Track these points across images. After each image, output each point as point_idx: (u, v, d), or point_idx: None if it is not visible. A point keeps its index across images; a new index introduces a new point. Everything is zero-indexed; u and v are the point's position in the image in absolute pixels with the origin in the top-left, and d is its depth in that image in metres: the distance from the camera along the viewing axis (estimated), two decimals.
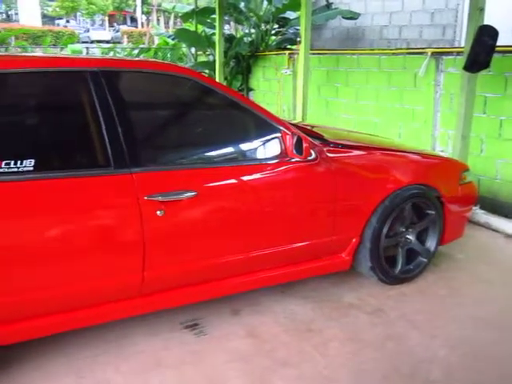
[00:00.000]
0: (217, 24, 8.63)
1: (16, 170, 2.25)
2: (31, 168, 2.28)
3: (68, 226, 2.42)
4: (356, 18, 9.23)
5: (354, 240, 3.31)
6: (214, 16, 9.49)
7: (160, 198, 2.51)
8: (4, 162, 2.23)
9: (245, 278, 3.05)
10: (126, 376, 2.58)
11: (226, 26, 11.62)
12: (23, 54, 6.50)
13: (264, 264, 3.09)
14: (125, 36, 27.47)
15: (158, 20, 22.64)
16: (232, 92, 2.95)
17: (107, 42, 29.36)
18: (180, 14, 11.97)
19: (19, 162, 2.26)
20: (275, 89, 8.76)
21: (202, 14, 10.06)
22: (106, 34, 37.76)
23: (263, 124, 2.94)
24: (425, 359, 2.77)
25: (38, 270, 2.37)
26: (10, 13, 44.80)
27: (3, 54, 4.62)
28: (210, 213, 2.76)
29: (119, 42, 28.38)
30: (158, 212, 2.51)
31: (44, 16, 40.58)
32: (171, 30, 16.99)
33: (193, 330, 2.98)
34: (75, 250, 2.42)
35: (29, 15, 32.35)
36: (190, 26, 11.55)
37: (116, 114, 2.48)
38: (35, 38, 22.45)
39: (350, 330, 3.03)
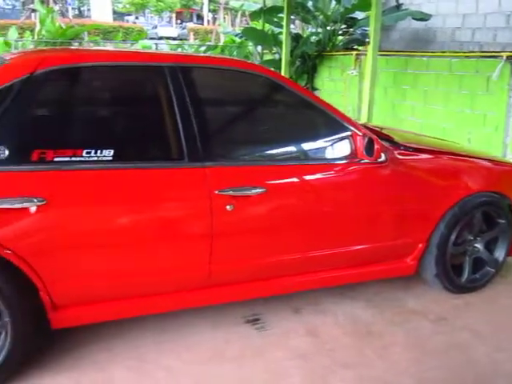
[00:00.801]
0: (284, 23, 8.66)
1: (96, 158, 2.35)
2: (110, 158, 2.38)
3: (141, 216, 2.50)
4: (427, 20, 9.00)
5: (420, 245, 3.25)
6: (281, 15, 9.52)
7: (231, 193, 2.56)
8: (85, 151, 2.34)
9: (306, 277, 3.05)
10: (187, 364, 2.65)
11: (292, 26, 11.60)
12: (103, 48, 6.71)
13: (327, 264, 3.08)
14: (191, 33, 27.94)
15: (225, 18, 22.86)
16: (304, 90, 2.96)
17: (173, 38, 29.94)
18: (248, 13, 12.06)
19: (99, 151, 2.35)
20: (340, 89, 8.69)
21: (269, 12, 10.10)
22: (173, 30, 38.53)
23: (334, 123, 2.93)
24: (490, 372, 2.69)
25: (109, 257, 2.46)
26: (82, 9, 46.45)
27: (84, 48, 4.81)
28: (277, 210, 2.78)
29: (185, 39, 28.88)
30: (228, 207, 2.55)
31: (114, 12, 41.82)
32: (237, 28, 17.15)
33: (254, 325, 3.02)
34: (146, 238, 2.50)
35: (100, 11, 33.47)
36: (257, 24, 11.63)
37: (191, 109, 2.55)
38: (106, 33, 23.17)
39: (413, 336, 2.98)
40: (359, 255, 3.12)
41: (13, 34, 11.69)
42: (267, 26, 10.64)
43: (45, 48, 4.94)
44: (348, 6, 9.29)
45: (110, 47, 12.43)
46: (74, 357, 2.66)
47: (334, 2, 9.70)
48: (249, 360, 2.71)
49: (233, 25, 22.81)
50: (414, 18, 9.21)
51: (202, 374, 2.59)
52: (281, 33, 9.68)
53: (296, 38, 9.68)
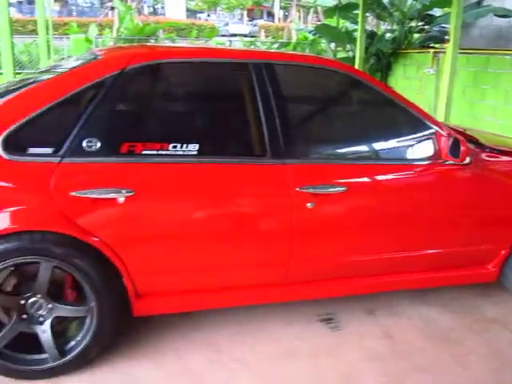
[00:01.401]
0: (359, 20, 8.54)
1: (181, 153, 2.41)
2: (195, 152, 2.43)
3: (222, 210, 2.55)
4: (510, 16, 8.62)
5: (502, 252, 3.12)
6: (356, 11, 9.40)
7: (311, 191, 2.55)
8: (171, 145, 2.40)
9: (382, 279, 3.00)
10: (261, 358, 2.68)
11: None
12: (189, 45, 6.85)
13: (405, 267, 3.02)
14: (262, 30, 28.07)
15: (297, 15, 22.80)
16: (386, 88, 2.91)
17: (244, 35, 30.19)
18: (321, 9, 11.99)
19: (185, 145, 2.41)
20: (415, 88, 8.48)
21: (344, 9, 10.00)
22: (244, 27, 38.86)
23: (417, 123, 2.86)
24: None
25: (191, 249, 2.52)
26: (156, 6, 47.67)
27: (171, 44, 4.93)
28: (357, 210, 2.75)
29: (256, 36, 29.04)
30: (308, 204, 2.55)
31: (187, 10, 42.62)
32: (310, 26, 17.08)
33: (328, 324, 3.00)
34: (226, 232, 2.54)
35: (174, 9, 34.24)
36: (331, 21, 11.53)
37: (275, 106, 2.56)
38: (179, 30, 23.69)
39: (493, 346, 2.87)
40: (439, 259, 3.03)
41: (93, 31, 12.18)
42: (341, 23, 10.55)
43: (135, 44, 5.12)
44: (426, 2, 9.04)
45: (184, 44, 12.68)
46: (154, 344, 2.75)
47: None
48: (322, 358, 2.70)
49: (305, 22, 22.71)
50: (496, 15, 8.84)
51: (275, 369, 2.60)
52: (355, 30, 9.57)
53: (370, 36, 9.53)
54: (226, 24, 40.29)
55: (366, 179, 2.76)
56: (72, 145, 2.28)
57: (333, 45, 10.78)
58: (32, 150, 2.26)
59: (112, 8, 16.21)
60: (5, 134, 2.24)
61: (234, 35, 28.60)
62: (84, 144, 2.29)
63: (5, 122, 2.26)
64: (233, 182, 2.51)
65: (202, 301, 2.68)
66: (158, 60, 2.53)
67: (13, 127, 2.25)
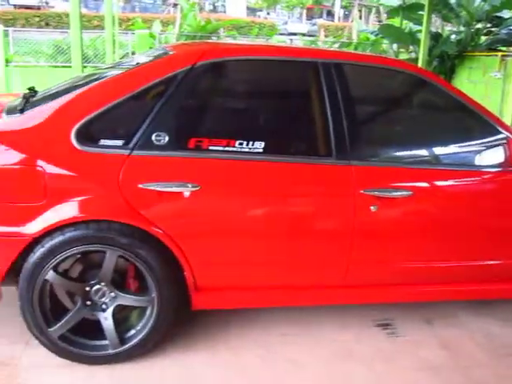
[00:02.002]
0: (424, 21, 8.34)
1: (247, 150, 2.42)
2: (261, 150, 2.43)
3: (285, 209, 2.54)
4: None
5: None
6: (421, 12, 9.18)
7: (376, 194, 2.51)
8: (238, 142, 2.41)
9: (442, 288, 2.92)
10: (315, 359, 2.66)
11: None
12: (256, 43, 6.86)
13: (465, 276, 2.92)
14: (321, 29, 27.86)
15: (359, 15, 22.47)
16: (457, 91, 2.82)
17: (303, 34, 30.05)
18: (383, 9, 11.80)
19: (251, 143, 2.42)
20: (480, 92, 8.21)
21: (409, 9, 9.81)
22: (303, 26, 38.69)
23: (487, 128, 2.77)
24: None
25: (251, 246, 2.53)
26: (216, 4, 48.14)
27: (238, 42, 4.96)
28: (421, 215, 2.68)
29: (314, 35, 28.86)
30: (372, 207, 2.51)
31: (246, 8, 42.82)
32: (371, 26, 16.84)
33: (384, 330, 2.95)
34: (287, 231, 2.53)
35: (235, 7, 34.50)
36: (394, 21, 11.33)
37: (342, 106, 2.53)
38: (239, 28, 23.84)
39: None
40: (504, 271, 2.92)
41: (157, 27, 12.43)
42: (404, 24, 10.34)
43: (207, 41, 5.19)
44: (496, 3, 8.75)
45: (246, 42, 12.75)
46: (209, 339, 2.79)
47: (478, 0, 9.18)
48: (377, 364, 2.65)
49: (366, 22, 22.39)
50: None
51: (328, 371, 2.58)
52: (419, 31, 9.36)
53: (435, 37, 9.31)
54: (285, 23, 40.26)
55: (432, 184, 2.69)
56: (141, 138, 2.33)
57: (395, 46, 10.58)
58: (103, 142, 2.32)
59: (175, 5, 16.50)
60: (78, 125, 2.31)
61: (293, 34, 28.54)
62: (153, 138, 2.34)
63: (79, 114, 2.34)
64: (297, 181, 2.50)
65: (259, 298, 2.69)
66: (227, 57, 2.55)
67: (86, 119, 2.32)
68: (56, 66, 10.24)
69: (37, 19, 24.73)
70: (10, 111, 2.50)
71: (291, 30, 34.63)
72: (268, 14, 49.57)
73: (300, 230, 2.55)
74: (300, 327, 2.93)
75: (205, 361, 2.61)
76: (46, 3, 31.10)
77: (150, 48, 10.22)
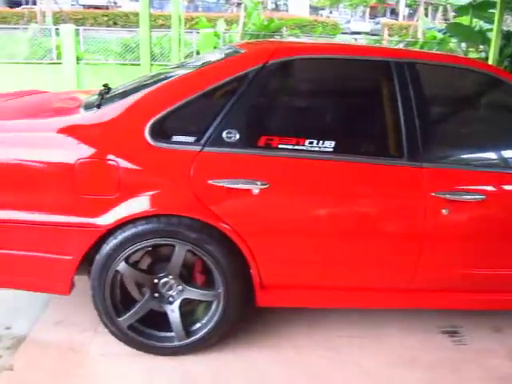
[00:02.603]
0: (496, 19, 8.03)
1: (317, 149, 2.41)
2: (331, 149, 2.42)
3: (353, 209, 2.52)
4: None
5: None
6: (492, 10, 8.85)
7: (447, 197, 2.44)
8: (308, 141, 2.41)
9: (510, 296, 2.80)
10: (380, 364, 2.62)
11: None
12: (326, 41, 6.80)
13: None
14: (385, 28, 27.35)
15: (426, 13, 21.86)
16: None
17: (366, 33, 29.61)
18: (451, 7, 11.46)
19: (321, 142, 2.41)
20: None
21: (479, 7, 9.48)
22: (366, 25, 38.17)
23: None
24: None
25: (317, 246, 2.52)
26: (278, 3, 48.18)
27: (310, 40, 4.97)
28: (493, 220, 2.59)
29: (378, 34, 28.36)
30: (443, 210, 2.45)
31: (309, 6, 42.63)
32: (438, 24, 16.39)
33: (451, 337, 2.87)
34: (355, 231, 2.51)
35: (298, 5, 34.43)
36: (463, 20, 10.99)
37: (415, 107, 2.48)
38: (301, 27, 23.76)
39: None
40: None
41: (221, 25, 12.58)
42: (474, 22, 10.01)
43: (276, 39, 5.22)
44: None
45: (312, 40, 12.69)
46: (272, 336, 2.80)
47: None
48: (443, 372, 2.59)
49: (432, 20, 21.80)
50: None
51: (393, 377, 2.54)
52: (490, 29, 9.02)
53: (507, 36, 8.95)
54: (348, 21, 39.81)
55: (506, 189, 2.59)
56: (212, 135, 2.37)
57: (463, 45, 10.26)
58: (176, 138, 2.37)
59: (238, 4, 16.63)
60: (152, 121, 2.37)
61: (355, 33, 28.19)
62: (224, 135, 2.37)
63: (153, 110, 2.40)
64: (367, 182, 2.47)
65: (324, 299, 2.67)
66: (298, 55, 2.55)
67: (160, 115, 2.38)
68: (124, 64, 10.57)
69: (105, 18, 25.58)
70: (88, 106, 2.60)
71: (354, 29, 34.23)
72: (330, 12, 49.20)
73: (368, 231, 2.52)
74: (364, 330, 2.89)
75: (268, 358, 2.62)
76: (114, 3, 32.13)
77: (215, 47, 10.37)
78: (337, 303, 2.73)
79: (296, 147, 2.40)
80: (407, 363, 2.64)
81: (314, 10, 46.70)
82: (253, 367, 2.55)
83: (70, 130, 2.44)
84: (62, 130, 2.44)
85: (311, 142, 2.40)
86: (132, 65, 10.48)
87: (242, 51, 2.66)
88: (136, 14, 24.08)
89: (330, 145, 2.41)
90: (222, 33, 11.56)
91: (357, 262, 2.57)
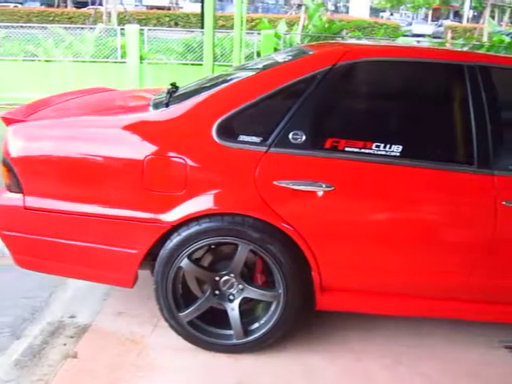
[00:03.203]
0: None
1: (384, 153, 2.37)
2: (397, 154, 2.37)
3: (418, 215, 2.47)
4: None
5: None
6: None
7: None
8: (375, 144, 2.37)
9: None
10: (444, 377, 2.55)
11: None
12: (398, 44, 6.66)
13: None
14: (448, 31, 26.66)
15: (492, 16, 21.09)
16: None
17: (428, 36, 28.93)
18: None
19: (388, 146, 2.37)
20: None
21: None
22: (428, 28, 37.34)
23: None
24: None
25: (381, 251, 2.48)
26: (338, 4, 47.80)
27: (380, 42, 4.89)
28: None
29: (440, 37, 27.69)
30: None
31: (369, 8, 42.09)
32: (506, 27, 15.81)
33: None
34: (418, 238, 2.45)
35: (358, 7, 34.07)
36: None
37: (487, 113, 2.40)
38: (361, 29, 23.46)
39: None
40: None
41: (282, 27, 12.59)
42: None
43: (348, 41, 5.18)
44: None
45: (375, 42, 12.52)
46: (330, 340, 2.77)
47: None
48: None
49: (499, 23, 21.05)
50: None
51: None
52: None
53: None
54: (409, 24, 39.05)
55: None
56: (279, 136, 2.37)
57: None
58: (242, 138, 2.39)
59: (299, 6, 16.59)
60: (220, 120, 2.40)
61: (418, 35, 27.60)
62: (290, 136, 2.36)
63: (220, 110, 2.43)
64: (434, 188, 2.41)
65: (384, 305, 2.62)
66: (368, 58, 2.52)
67: (227, 115, 2.41)
68: (185, 64, 10.72)
69: (167, 19, 26.14)
70: (157, 105, 2.65)
71: (416, 32, 33.51)
72: (391, 14, 48.40)
73: (433, 239, 2.46)
74: (427, 340, 2.82)
75: (326, 361, 2.60)
76: (176, 4, 32.75)
77: (275, 48, 10.39)
78: (396, 310, 2.67)
79: (363, 150, 2.37)
80: (472, 376, 2.56)
81: (375, 11, 46.06)
82: (309, 370, 2.54)
83: (140, 128, 2.51)
84: (132, 127, 2.51)
85: (378, 146, 2.37)
86: (193, 64, 10.63)
87: (311, 52, 2.65)
88: (196, 15, 24.53)
89: (397, 149, 2.36)
90: (282, 34, 11.57)
91: (419, 270, 2.51)
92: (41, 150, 2.56)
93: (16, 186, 2.52)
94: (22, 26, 12.25)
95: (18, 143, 2.55)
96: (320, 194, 2.35)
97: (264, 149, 2.36)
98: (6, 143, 2.56)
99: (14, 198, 2.53)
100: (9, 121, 2.60)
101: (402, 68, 2.55)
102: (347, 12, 37.42)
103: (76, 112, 2.86)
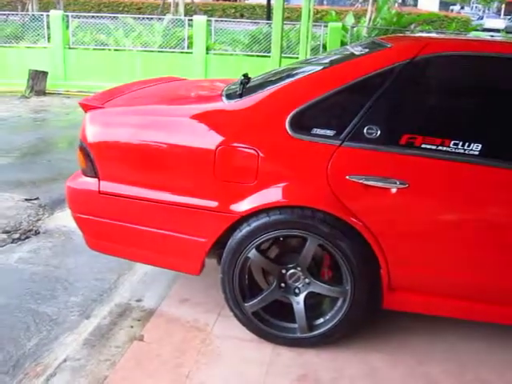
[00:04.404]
0: None
1: (462, 151, 2.28)
2: (476, 152, 2.27)
3: (495, 218, 2.37)
4: None
5: None
6: None
7: None
8: (453, 142, 2.28)
9: None
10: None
11: None
12: (482, 38, 6.40)
13: None
14: None
15: None
16: None
17: (498, 30, 27.79)
18: None
19: (467, 144, 2.27)
20: None
21: None
22: (500, 22, 35.82)
23: None
24: None
25: (452, 252, 2.39)
26: None
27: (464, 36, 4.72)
28: None
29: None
30: None
31: (439, 1, 40.77)
32: None
33: None
34: (493, 242, 2.35)
35: (427, 0, 33.07)
36: None
37: None
38: (430, 22, 22.74)
39: None
40: None
41: (349, 19, 12.41)
42: None
43: (424, 35, 5.04)
44: None
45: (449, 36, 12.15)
46: (392, 340, 2.72)
47: None
48: None
49: None
50: None
51: None
52: None
53: None
54: (481, 18, 37.57)
55: None
56: (353, 130, 2.33)
57: None
58: (316, 131, 2.36)
59: None
60: (293, 112, 2.38)
61: (490, 30, 26.54)
62: (365, 130, 2.32)
63: (294, 102, 2.41)
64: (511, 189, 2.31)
65: (452, 309, 2.52)
66: (448, 51, 2.42)
67: (301, 107, 2.38)
68: (251, 55, 10.76)
69: (232, 10, 26.28)
70: (230, 95, 2.66)
71: (487, 26, 32.23)
72: (462, 8, 46.70)
73: (507, 241, 2.35)
74: (488, 347, 2.71)
75: (388, 363, 2.54)
76: None
77: (342, 41, 10.25)
78: (463, 314, 2.57)
79: (440, 148, 2.28)
80: None
81: (444, 5, 44.55)
82: (370, 369, 2.49)
83: (213, 117, 2.53)
84: (206, 117, 2.53)
85: (456, 144, 2.28)
86: (258, 56, 10.65)
87: (388, 45, 2.58)
88: (262, 7, 24.56)
89: (476, 147, 2.27)
90: (350, 27, 11.40)
91: (491, 273, 2.41)
92: (117, 136, 2.62)
93: (92, 171, 2.60)
94: (93, 16, 12.66)
95: (95, 129, 2.63)
96: (393, 190, 2.29)
97: (338, 143, 2.33)
98: (83, 129, 2.64)
99: (90, 183, 2.62)
100: (87, 107, 2.68)
101: (484, 63, 2.43)
102: (416, 5, 36.31)
103: (151, 100, 2.92)
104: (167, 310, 2.88)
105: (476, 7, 48.99)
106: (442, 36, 4.73)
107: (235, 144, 2.41)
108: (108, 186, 2.58)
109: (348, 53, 2.77)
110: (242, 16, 25.25)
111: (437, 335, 2.78)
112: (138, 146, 2.56)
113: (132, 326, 2.74)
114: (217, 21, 11.66)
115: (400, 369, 2.52)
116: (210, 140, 2.42)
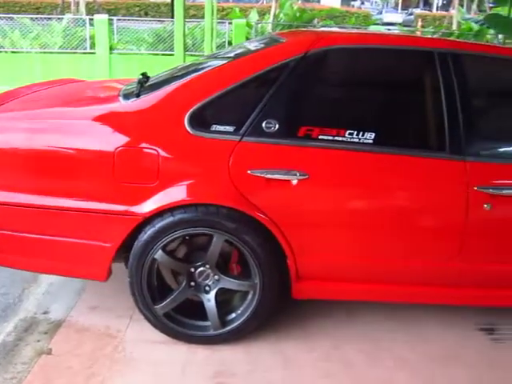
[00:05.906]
0: None
1: (357, 140, 2.37)
2: (370, 141, 2.38)
3: (390, 202, 2.49)
4: None
5: None
6: None
7: (490, 191, 2.38)
8: (348, 132, 2.37)
9: None
10: (421, 359, 2.58)
11: None
12: (369, 31, 6.63)
13: None
14: (418, 19, 26.90)
15: (461, 4, 21.30)
16: None
17: (399, 24, 29.13)
18: None
19: (361, 133, 2.37)
20: None
21: None
22: (398, 16, 37.56)
23: None
24: None
25: (353, 238, 2.50)
26: None
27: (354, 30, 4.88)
28: None
29: (410, 26, 27.87)
30: (485, 205, 2.39)
31: None
32: (477, 15, 16.03)
33: (489, 335, 2.81)
34: (391, 225, 2.47)
35: None
36: (502, 10, 10.69)
37: (458, 99, 2.42)
38: (332, 18, 23.44)
39: None
40: None
41: (254, 16, 12.54)
42: None
43: (320, 29, 5.17)
44: None
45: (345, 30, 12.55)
46: (307, 328, 2.78)
47: None
48: (483, 370, 2.54)
49: (468, 12, 21.32)
50: None
51: (435, 373, 2.51)
52: None
53: None
54: (380, 12, 39.21)
55: None
56: (252, 125, 2.35)
57: (500, 36, 9.99)
58: (215, 128, 2.36)
59: None
60: (192, 110, 2.37)
61: (387, 24, 27.77)
62: (263, 125, 2.35)
63: (192, 99, 2.40)
64: (407, 175, 2.43)
65: (360, 292, 2.63)
66: (339, 45, 2.51)
67: (199, 104, 2.38)
68: (156, 54, 10.61)
69: (137, 9, 25.74)
70: (127, 95, 2.61)
71: (386, 20, 33.70)
72: (362, 3, 48.55)
73: (406, 225, 2.48)
74: (405, 324, 2.85)
75: (304, 349, 2.60)
76: None
77: (247, 38, 10.33)
78: (373, 297, 2.69)
79: (336, 138, 2.36)
80: (448, 359, 2.60)
81: (346, 0, 46.10)
82: (287, 360, 2.53)
83: (110, 119, 2.46)
84: (102, 119, 2.46)
85: (351, 134, 2.37)
86: (163, 55, 10.52)
87: (283, 40, 2.63)
88: (166, 5, 24.23)
89: (370, 136, 2.37)
90: (254, 23, 11.51)
91: (394, 256, 2.53)
92: (9, 142, 2.49)
93: None
94: None
95: None
96: (294, 182, 2.34)
97: (237, 138, 2.34)
98: None
99: None
100: None
101: (374, 55, 2.55)
102: (318, 1, 37.31)
103: (44, 104, 2.80)
104: (76, 320, 2.78)
105: (375, 2, 51.08)
106: (339, 30, 4.89)
107: (133, 145, 2.37)
108: (1, 196, 2.44)
109: (245, 49, 2.79)
110: (146, 14, 24.82)
111: (352, 318, 2.88)
112: (32, 151, 2.44)
113: (39, 340, 2.62)
114: (119, 19, 11.37)
115: (316, 354, 2.58)
116: (106, 142, 2.36)
